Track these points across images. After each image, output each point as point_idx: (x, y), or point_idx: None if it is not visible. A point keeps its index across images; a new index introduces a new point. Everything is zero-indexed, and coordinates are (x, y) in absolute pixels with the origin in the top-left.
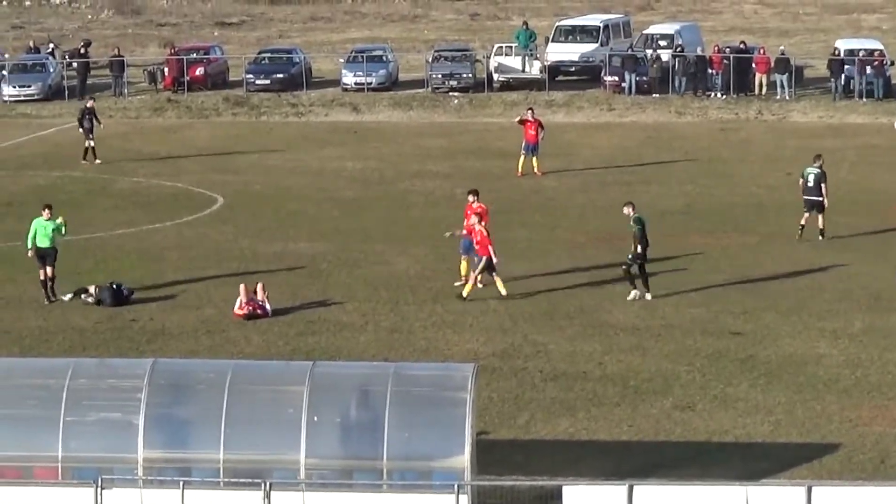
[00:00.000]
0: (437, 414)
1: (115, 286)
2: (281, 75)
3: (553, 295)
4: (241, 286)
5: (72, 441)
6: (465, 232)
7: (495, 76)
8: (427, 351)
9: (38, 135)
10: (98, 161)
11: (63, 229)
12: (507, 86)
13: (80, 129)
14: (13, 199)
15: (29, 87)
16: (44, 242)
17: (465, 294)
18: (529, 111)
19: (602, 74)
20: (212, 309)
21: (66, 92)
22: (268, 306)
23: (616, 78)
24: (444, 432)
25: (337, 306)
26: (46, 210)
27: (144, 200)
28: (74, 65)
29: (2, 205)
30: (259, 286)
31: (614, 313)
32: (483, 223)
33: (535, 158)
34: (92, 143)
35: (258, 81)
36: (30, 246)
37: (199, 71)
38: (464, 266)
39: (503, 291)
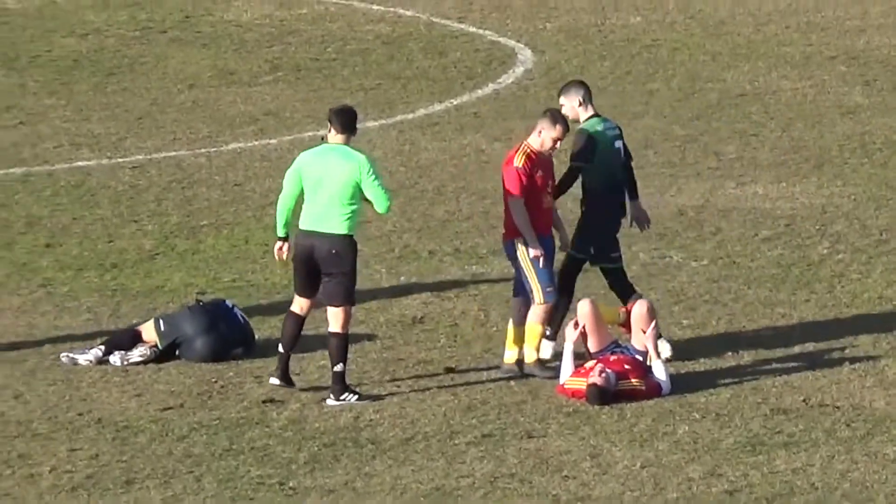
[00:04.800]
0: None
1: (209, 304)
2: None
3: None
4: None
5: None
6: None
7: None
8: None
9: None
10: None
11: (383, 192)
12: None
13: None
14: None
15: None
16: (329, 221)
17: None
18: None
19: None
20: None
21: None
22: (663, 376)
23: None
24: None
25: None
26: (338, 128)
27: None
28: None
29: None
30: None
31: None
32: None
33: None
34: None
35: None
36: (282, 227)
37: None
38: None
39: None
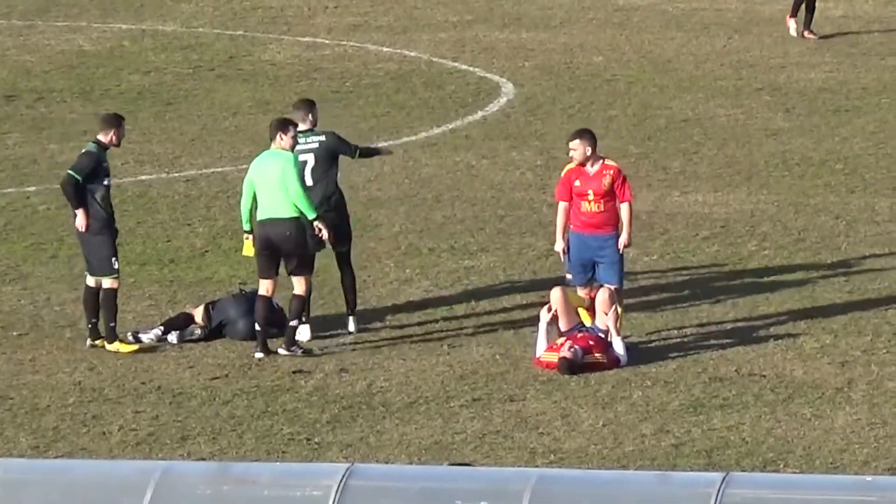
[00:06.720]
0: None
1: (249, 293)
2: None
3: None
4: (557, 293)
5: None
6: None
7: None
8: None
9: None
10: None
11: (295, 180)
12: None
13: None
14: None
15: None
16: (278, 209)
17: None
18: None
19: None
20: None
21: None
22: (621, 350)
23: None
24: None
25: None
26: (285, 131)
27: None
28: None
29: None
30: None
31: None
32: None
33: None
34: None
35: None
36: (245, 222)
37: None
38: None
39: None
